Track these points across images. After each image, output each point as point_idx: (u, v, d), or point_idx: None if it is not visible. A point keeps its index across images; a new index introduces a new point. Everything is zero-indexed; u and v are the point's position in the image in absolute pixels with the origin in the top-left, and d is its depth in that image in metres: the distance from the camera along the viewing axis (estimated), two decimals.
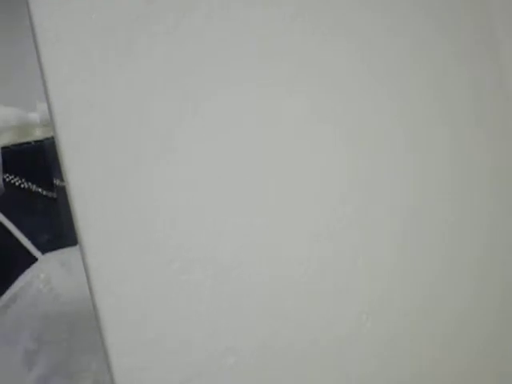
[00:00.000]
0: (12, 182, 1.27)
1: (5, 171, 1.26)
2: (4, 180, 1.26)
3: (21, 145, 1.28)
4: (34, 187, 1.28)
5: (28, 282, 1.17)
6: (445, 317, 0.77)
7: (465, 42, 0.77)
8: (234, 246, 0.69)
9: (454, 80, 0.76)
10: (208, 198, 0.69)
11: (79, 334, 1.18)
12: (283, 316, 0.72)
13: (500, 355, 0.79)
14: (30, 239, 1.21)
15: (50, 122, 0.66)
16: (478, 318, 0.78)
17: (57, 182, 1.21)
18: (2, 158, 1.25)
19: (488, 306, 0.79)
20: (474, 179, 0.77)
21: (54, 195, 1.22)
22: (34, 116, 1.26)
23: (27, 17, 0.65)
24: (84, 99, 0.65)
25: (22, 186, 1.28)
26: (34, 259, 1.19)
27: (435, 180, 0.76)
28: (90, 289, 0.64)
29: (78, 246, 0.65)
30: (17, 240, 1.21)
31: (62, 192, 0.67)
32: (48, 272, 1.17)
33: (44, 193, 1.28)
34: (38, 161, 1.17)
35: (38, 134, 1.25)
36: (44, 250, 1.21)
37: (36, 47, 0.65)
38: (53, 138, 0.66)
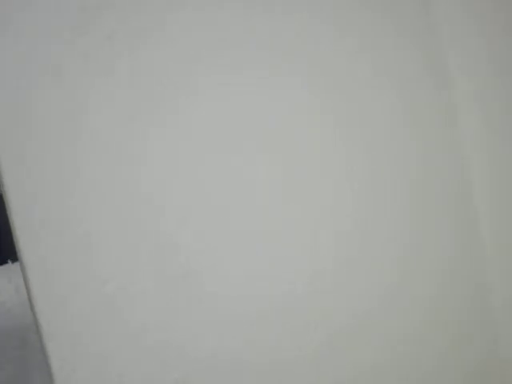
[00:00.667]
0: None
1: None
2: None
3: None
4: None
5: None
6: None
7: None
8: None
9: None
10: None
11: (31, 349, 1.17)
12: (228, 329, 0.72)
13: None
14: None
15: None
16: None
17: None
18: None
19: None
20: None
21: None
22: None
23: None
24: (18, 112, 0.64)
25: None
26: None
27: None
28: (32, 305, 0.63)
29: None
30: None
31: (2, 204, 0.64)
32: None
33: None
34: None
35: None
36: None
37: None
38: None
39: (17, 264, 1.10)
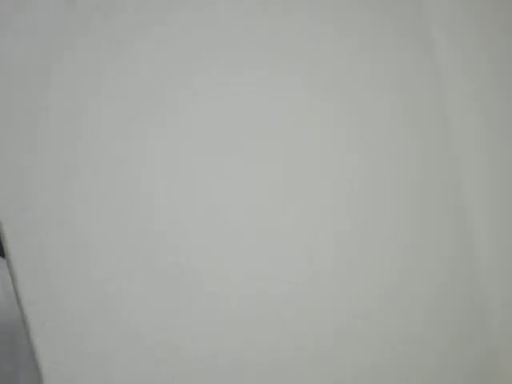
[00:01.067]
0: None
1: None
2: None
3: None
4: None
5: None
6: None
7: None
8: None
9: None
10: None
11: (18, 344, 1.15)
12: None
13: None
14: None
15: None
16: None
17: None
18: None
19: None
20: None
21: None
22: None
23: None
24: (13, 111, 0.63)
25: None
26: None
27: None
28: (18, 300, 0.64)
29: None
30: None
31: None
32: None
33: None
34: None
35: None
36: None
37: None
38: None
39: (3, 260, 1.09)
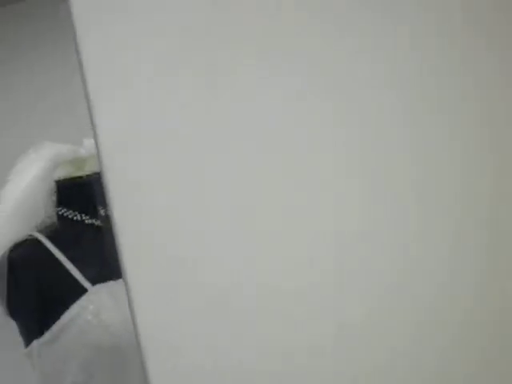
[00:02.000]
0: (64, 214, 1.30)
1: (58, 204, 1.29)
2: (58, 213, 1.30)
3: (73, 179, 1.31)
4: (85, 219, 1.31)
5: (77, 313, 1.18)
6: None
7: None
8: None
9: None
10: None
11: (128, 366, 1.18)
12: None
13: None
14: (81, 271, 1.24)
15: (96, 157, 0.68)
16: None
17: (102, 212, 1.24)
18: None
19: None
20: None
21: (104, 226, 1.25)
22: (85, 151, 1.30)
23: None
24: (129, 134, 0.67)
25: (74, 218, 1.31)
26: (84, 290, 1.21)
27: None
28: (134, 323, 0.65)
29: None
30: (69, 272, 1.23)
31: (108, 222, 0.68)
32: (97, 304, 1.19)
33: (95, 224, 1.31)
34: (90, 194, 1.20)
35: (89, 169, 1.29)
36: (95, 281, 1.23)
37: (84, 86, 0.67)
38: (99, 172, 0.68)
39: (120, 281, 1.14)
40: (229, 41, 0.71)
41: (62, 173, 1.31)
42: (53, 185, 1.28)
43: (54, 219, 1.27)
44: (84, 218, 1.32)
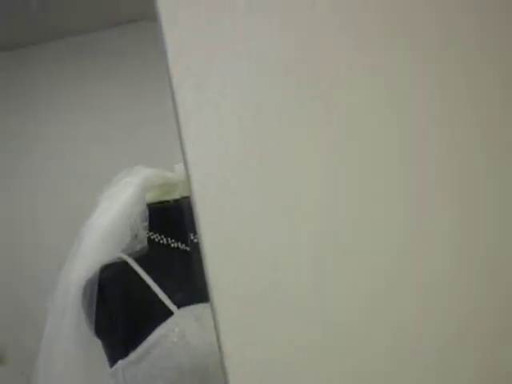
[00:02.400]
0: (151, 237, 1.33)
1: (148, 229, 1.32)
2: (147, 237, 1.33)
3: (161, 203, 1.34)
4: (172, 243, 1.34)
5: (163, 335, 1.21)
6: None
7: None
8: None
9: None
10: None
11: None
12: None
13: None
14: (167, 294, 1.26)
15: (186, 183, 0.70)
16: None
17: (192, 238, 1.26)
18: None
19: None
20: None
21: (191, 251, 1.27)
22: (174, 176, 1.33)
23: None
24: (218, 167, 0.68)
25: (161, 241, 1.34)
26: (171, 313, 1.23)
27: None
28: (219, 346, 0.66)
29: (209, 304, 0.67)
30: (155, 295, 1.26)
31: (197, 249, 0.70)
32: (183, 326, 1.20)
33: (184, 249, 1.33)
34: (177, 218, 1.22)
35: (178, 193, 1.31)
36: (180, 304, 1.25)
37: (175, 113, 0.69)
38: (188, 197, 0.69)
39: (204, 305, 1.15)
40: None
41: (150, 197, 1.35)
42: (145, 209, 1.31)
43: (145, 243, 1.30)
44: (171, 242, 1.34)
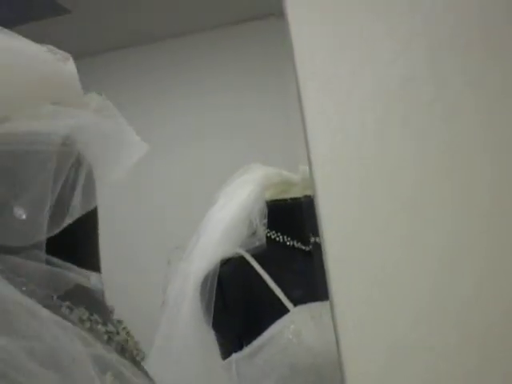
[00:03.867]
0: (270, 236, 1.35)
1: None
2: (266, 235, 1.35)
3: (279, 201, 1.36)
4: (291, 242, 1.35)
5: (278, 331, 1.22)
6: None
7: None
8: None
9: None
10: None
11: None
12: None
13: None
14: (284, 291, 1.27)
15: (309, 184, 0.71)
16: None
17: (313, 238, 1.27)
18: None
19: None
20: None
21: (310, 250, 1.28)
22: (293, 176, 1.34)
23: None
24: (341, 169, 0.69)
25: (280, 240, 1.35)
26: (286, 310, 1.24)
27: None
28: (338, 344, 0.67)
29: (328, 302, 0.68)
30: (272, 291, 1.27)
31: (318, 249, 0.71)
32: (298, 324, 1.21)
33: (300, 247, 1.34)
34: (295, 217, 1.24)
35: (295, 192, 1.33)
36: (296, 302, 1.26)
37: (302, 118, 0.70)
38: (309, 196, 0.71)
39: (320, 303, 1.16)
40: None
41: (271, 195, 1.37)
42: (264, 206, 1.33)
43: (263, 241, 1.32)
44: (287, 240, 1.36)
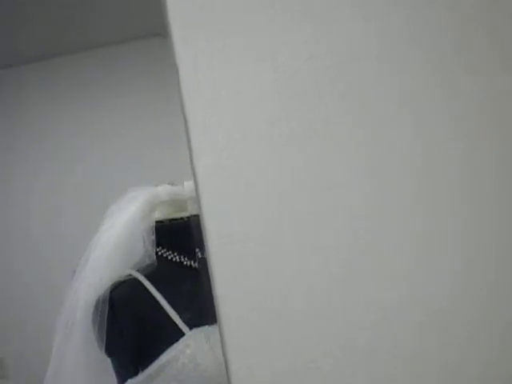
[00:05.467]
0: (163, 254, 1.32)
1: (156, 245, 1.31)
2: (156, 253, 1.32)
3: (172, 220, 1.34)
4: (183, 260, 1.33)
5: (174, 357, 1.19)
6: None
7: None
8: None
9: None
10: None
11: None
12: None
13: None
14: (179, 313, 1.24)
15: (195, 200, 0.69)
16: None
17: (199, 254, 1.24)
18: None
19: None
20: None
21: (201, 269, 1.26)
22: (184, 193, 1.32)
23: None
24: (227, 183, 0.67)
25: (173, 258, 1.33)
26: (181, 333, 1.22)
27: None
28: (226, 366, 0.65)
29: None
30: (167, 314, 1.24)
31: (205, 264, 0.69)
32: (193, 348, 1.19)
33: (193, 266, 1.32)
34: (188, 235, 1.21)
35: (190, 210, 1.31)
36: (191, 324, 1.23)
37: (187, 135, 0.69)
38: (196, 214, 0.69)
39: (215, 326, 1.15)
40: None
41: (162, 214, 1.34)
42: (152, 225, 1.30)
43: (153, 258, 1.29)
44: (182, 259, 1.33)
